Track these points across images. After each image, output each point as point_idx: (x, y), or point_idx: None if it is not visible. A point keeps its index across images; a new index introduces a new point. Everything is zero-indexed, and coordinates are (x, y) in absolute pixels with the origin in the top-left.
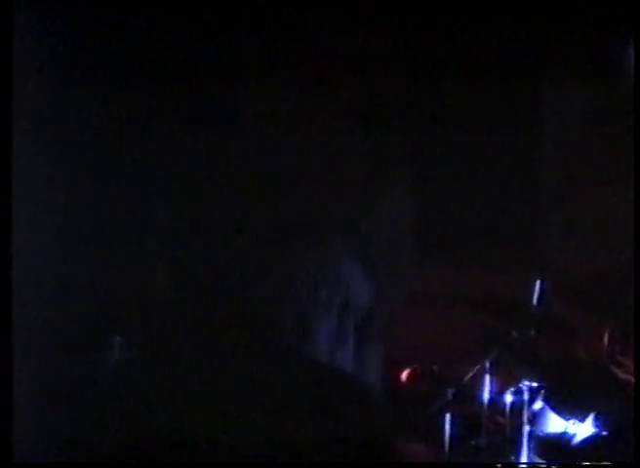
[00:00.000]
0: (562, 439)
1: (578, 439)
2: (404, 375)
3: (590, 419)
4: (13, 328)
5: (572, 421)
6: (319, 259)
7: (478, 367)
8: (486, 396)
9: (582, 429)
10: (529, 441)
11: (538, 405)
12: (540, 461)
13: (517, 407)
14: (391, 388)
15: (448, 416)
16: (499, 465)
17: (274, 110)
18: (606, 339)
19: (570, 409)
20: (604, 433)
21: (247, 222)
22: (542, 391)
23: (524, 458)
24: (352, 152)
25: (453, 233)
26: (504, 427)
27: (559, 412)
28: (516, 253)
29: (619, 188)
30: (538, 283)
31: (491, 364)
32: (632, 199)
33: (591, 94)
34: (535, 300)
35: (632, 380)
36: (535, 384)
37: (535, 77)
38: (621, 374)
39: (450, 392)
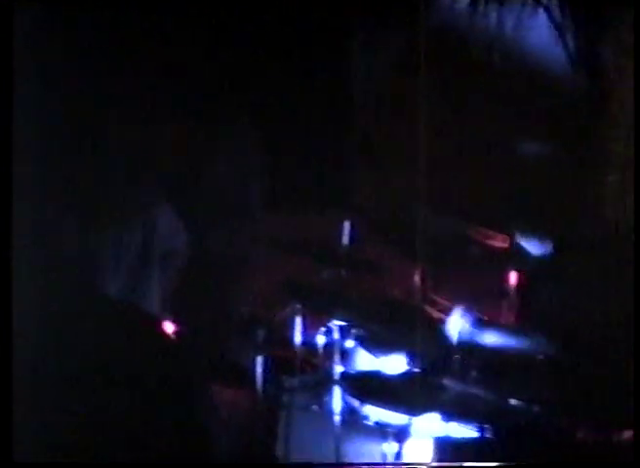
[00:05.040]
0: (376, 377)
1: (391, 378)
2: None
3: (403, 357)
4: (13, 327)
5: (383, 358)
6: None
7: (289, 308)
8: (298, 337)
9: (394, 366)
10: (342, 380)
11: (349, 344)
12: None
13: (329, 347)
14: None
15: (260, 359)
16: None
17: None
18: (417, 278)
19: (381, 346)
20: (416, 370)
21: None
22: (353, 330)
23: (338, 398)
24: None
25: None
26: (318, 368)
27: (371, 351)
28: (325, 193)
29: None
30: (347, 223)
31: (302, 305)
32: None
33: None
34: (344, 240)
35: (445, 318)
36: (345, 323)
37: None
38: (434, 313)
39: (261, 335)
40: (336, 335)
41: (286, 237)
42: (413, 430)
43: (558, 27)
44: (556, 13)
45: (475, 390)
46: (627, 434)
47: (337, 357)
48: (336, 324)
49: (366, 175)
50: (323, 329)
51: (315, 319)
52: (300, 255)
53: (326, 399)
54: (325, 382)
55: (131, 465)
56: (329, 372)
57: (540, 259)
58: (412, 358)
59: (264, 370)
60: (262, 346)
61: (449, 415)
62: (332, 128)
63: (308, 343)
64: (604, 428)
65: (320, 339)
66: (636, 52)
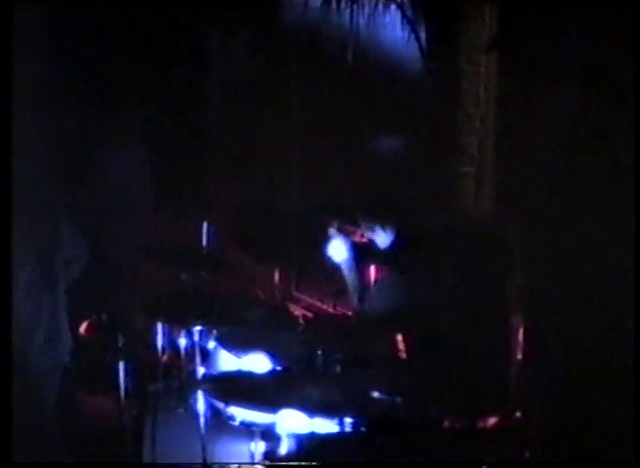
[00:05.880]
0: (239, 377)
1: (254, 377)
2: (82, 328)
3: (265, 356)
4: (12, 326)
5: (245, 358)
6: None
7: (149, 312)
8: (159, 341)
9: (257, 365)
10: (205, 382)
11: (211, 345)
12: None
13: (191, 349)
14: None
15: (122, 365)
16: None
17: None
18: (277, 277)
19: (243, 346)
20: (279, 368)
21: None
22: (214, 331)
23: (202, 400)
24: None
25: None
26: (181, 371)
27: (232, 351)
28: (183, 195)
29: None
30: (205, 225)
31: (162, 308)
32: None
33: None
34: (203, 241)
35: (308, 314)
36: (205, 325)
37: None
38: (297, 309)
39: (121, 340)
40: (197, 337)
41: (145, 240)
42: (278, 428)
43: (411, 23)
44: (408, 9)
45: (338, 385)
46: (491, 421)
47: (198, 359)
48: (196, 326)
49: (224, 176)
50: (184, 331)
51: (176, 322)
52: (158, 258)
53: (191, 401)
54: (189, 385)
55: (131, 465)
56: (192, 375)
57: (393, 253)
58: (274, 356)
59: (127, 375)
60: (124, 351)
61: (313, 412)
62: (188, 129)
63: (170, 346)
64: (468, 417)
65: (182, 342)
66: (636, 51)
